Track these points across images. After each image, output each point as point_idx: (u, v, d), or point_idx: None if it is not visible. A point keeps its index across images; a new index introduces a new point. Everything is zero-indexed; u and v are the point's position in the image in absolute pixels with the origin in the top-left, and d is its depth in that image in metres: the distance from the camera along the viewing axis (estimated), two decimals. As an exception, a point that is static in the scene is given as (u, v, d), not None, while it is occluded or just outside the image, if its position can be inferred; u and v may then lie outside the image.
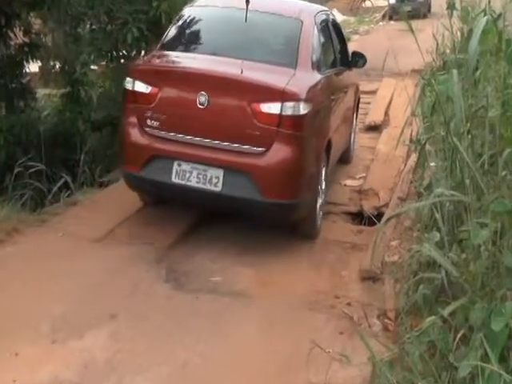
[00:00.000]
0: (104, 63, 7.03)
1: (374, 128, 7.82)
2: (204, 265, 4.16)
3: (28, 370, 3.00)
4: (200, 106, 4.08)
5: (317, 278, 4.09)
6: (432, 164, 3.98)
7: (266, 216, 4.25)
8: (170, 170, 4.18)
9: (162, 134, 4.23)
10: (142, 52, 6.95)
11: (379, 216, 4.87)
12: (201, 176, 4.13)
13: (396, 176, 5.83)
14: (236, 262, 4.22)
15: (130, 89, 4.32)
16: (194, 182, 4.14)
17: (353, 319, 3.55)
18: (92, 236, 4.36)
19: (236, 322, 3.50)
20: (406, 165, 5.88)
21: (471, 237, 2.59)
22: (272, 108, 4.02)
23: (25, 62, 6.73)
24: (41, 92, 7.60)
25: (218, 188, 4.10)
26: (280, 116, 4.02)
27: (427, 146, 3.95)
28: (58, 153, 6.37)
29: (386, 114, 8.32)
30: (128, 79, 4.35)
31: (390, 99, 8.86)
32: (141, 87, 4.26)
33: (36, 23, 7.07)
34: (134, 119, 4.30)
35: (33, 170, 5.39)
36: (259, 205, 4.08)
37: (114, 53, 6.89)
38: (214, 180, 4.11)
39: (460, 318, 2.64)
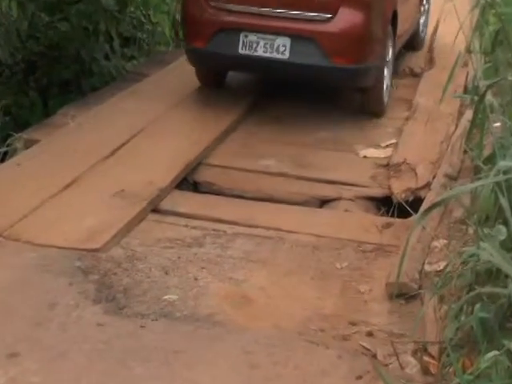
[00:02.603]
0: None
1: (411, 71, 7.87)
2: (153, 275, 4.16)
3: None
4: None
5: (323, 295, 4.10)
6: (496, 124, 3.97)
7: (333, 82, 6.53)
8: (236, 41, 6.16)
9: (228, 6, 6.21)
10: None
11: (416, 203, 4.87)
12: (268, 45, 6.10)
13: (442, 143, 5.86)
14: (202, 269, 4.25)
15: None
16: (261, 52, 6.13)
17: (376, 357, 3.56)
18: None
19: (200, 362, 3.48)
20: (457, 126, 5.89)
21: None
22: None
23: None
24: None
25: (286, 56, 6.08)
26: None
27: (489, 98, 3.93)
28: None
29: (429, 49, 8.32)
30: None
31: (434, 28, 8.83)
32: None
33: None
34: None
35: None
36: (327, 70, 6.14)
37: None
38: (281, 48, 6.08)
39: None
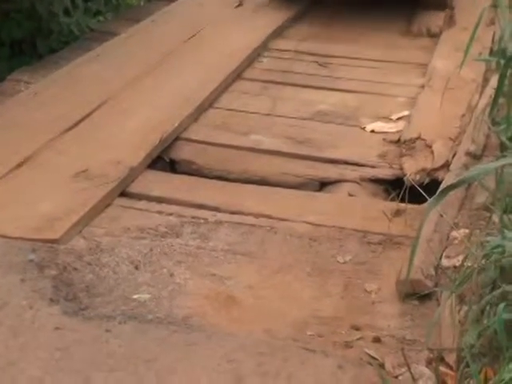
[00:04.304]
0: None
1: (427, 30, 7.90)
2: (121, 271, 4.18)
3: None
4: None
5: (322, 294, 4.12)
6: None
7: None
8: None
9: None
10: None
11: (432, 186, 4.88)
12: None
13: (464, 115, 5.86)
14: (178, 263, 4.26)
15: None
16: None
17: (383, 367, 3.57)
18: None
19: (176, 373, 3.48)
20: (481, 95, 5.88)
21: None
22: None
23: None
24: None
25: None
26: None
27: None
28: None
29: (449, 4, 8.31)
30: None
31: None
32: None
33: None
34: None
35: None
36: None
37: None
38: None
39: None
